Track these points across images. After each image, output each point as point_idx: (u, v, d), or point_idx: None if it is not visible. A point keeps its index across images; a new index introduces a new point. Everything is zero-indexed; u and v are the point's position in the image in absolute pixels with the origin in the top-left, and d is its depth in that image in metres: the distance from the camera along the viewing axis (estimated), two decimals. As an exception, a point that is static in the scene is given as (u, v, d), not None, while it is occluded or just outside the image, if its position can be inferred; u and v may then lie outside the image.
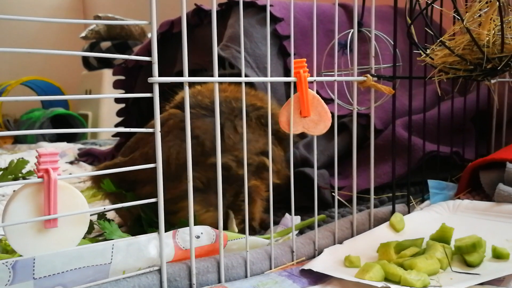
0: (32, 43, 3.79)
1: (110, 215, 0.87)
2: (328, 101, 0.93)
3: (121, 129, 0.59)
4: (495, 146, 1.07)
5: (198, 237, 0.59)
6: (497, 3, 0.64)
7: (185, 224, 0.56)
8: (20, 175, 1.23)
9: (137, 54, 1.37)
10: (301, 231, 0.78)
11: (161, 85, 0.51)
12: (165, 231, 0.56)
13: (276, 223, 0.81)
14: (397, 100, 0.81)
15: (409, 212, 0.81)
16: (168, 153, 0.71)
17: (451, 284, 0.52)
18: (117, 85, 1.42)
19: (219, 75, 0.56)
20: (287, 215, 0.81)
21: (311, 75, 0.63)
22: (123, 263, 0.51)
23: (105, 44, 2.89)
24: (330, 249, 0.65)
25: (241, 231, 0.61)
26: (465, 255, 0.58)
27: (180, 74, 0.58)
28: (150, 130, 0.52)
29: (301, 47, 1.12)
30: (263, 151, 0.77)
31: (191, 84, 0.61)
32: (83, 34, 2.95)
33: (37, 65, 3.69)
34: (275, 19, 1.10)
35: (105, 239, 0.62)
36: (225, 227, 0.75)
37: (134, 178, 0.73)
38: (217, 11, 0.86)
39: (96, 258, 0.50)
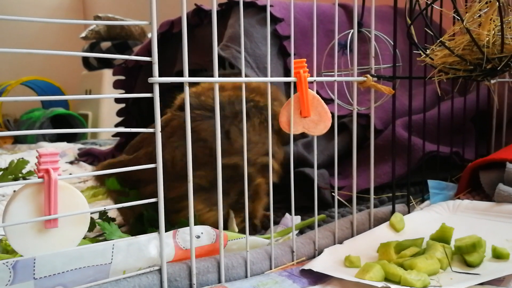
0: (32, 43, 3.79)
1: (112, 213, 0.88)
2: (328, 101, 0.93)
3: (121, 129, 0.60)
4: (495, 146, 1.07)
5: (198, 237, 0.59)
6: (497, 3, 0.64)
7: (186, 224, 0.56)
8: (20, 175, 1.23)
9: (137, 54, 1.37)
10: (301, 231, 0.78)
11: (160, 85, 0.51)
12: (168, 230, 0.56)
13: (276, 223, 0.81)
14: (397, 100, 0.82)
15: (409, 212, 0.81)
16: (173, 154, 0.72)
17: (451, 284, 0.52)
18: (117, 85, 1.42)
19: (219, 75, 0.56)
20: (287, 215, 0.81)
21: (311, 75, 0.63)
22: (123, 263, 0.51)
23: (105, 44, 2.89)
24: (330, 249, 0.65)
25: (243, 230, 0.61)
26: (465, 255, 0.58)
27: (180, 74, 0.58)
28: (151, 130, 0.52)
29: (301, 47, 1.12)
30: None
31: (192, 84, 0.61)
32: (83, 34, 2.95)
33: (37, 65, 3.69)
34: (275, 19, 1.10)
35: (105, 239, 0.62)
36: (226, 227, 0.75)
37: (138, 177, 0.74)
38: (217, 11, 0.86)
39: (97, 258, 0.50)
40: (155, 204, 0.52)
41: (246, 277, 0.59)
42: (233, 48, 1.03)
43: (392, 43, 0.80)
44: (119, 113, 1.49)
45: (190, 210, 0.54)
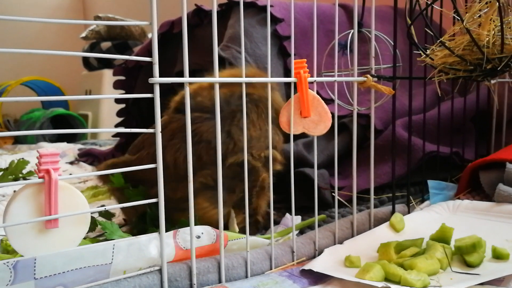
0: (32, 43, 3.79)
1: (114, 210, 0.88)
2: (328, 101, 0.93)
3: (121, 130, 0.60)
4: (495, 146, 1.07)
5: (198, 237, 0.59)
6: (497, 3, 0.64)
7: (186, 224, 0.56)
8: (20, 175, 1.23)
9: (137, 55, 1.37)
10: (301, 231, 0.78)
11: (160, 86, 0.51)
12: (171, 228, 0.56)
13: (276, 223, 0.81)
14: (397, 100, 0.82)
15: (409, 212, 0.81)
16: (175, 156, 0.72)
17: (451, 284, 0.52)
18: (117, 85, 1.42)
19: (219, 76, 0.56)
20: (287, 215, 0.81)
21: (311, 76, 0.63)
22: (124, 263, 0.51)
23: (105, 45, 2.89)
24: (331, 249, 0.65)
25: (244, 229, 0.61)
26: (465, 255, 0.58)
27: (181, 74, 0.58)
28: (151, 130, 0.52)
29: (301, 47, 1.12)
30: (272, 144, 0.78)
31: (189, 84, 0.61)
32: (83, 35, 2.95)
33: (37, 65, 3.69)
34: (275, 20, 1.10)
35: (106, 239, 0.62)
36: (226, 227, 0.75)
37: (142, 178, 0.74)
38: (217, 12, 0.86)
39: (97, 258, 0.50)
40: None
41: (246, 277, 0.59)
42: (233, 48, 1.03)
43: (392, 43, 0.80)
44: (119, 113, 1.49)
45: (190, 210, 0.54)
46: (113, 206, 0.55)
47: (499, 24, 0.65)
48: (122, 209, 0.84)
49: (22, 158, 1.26)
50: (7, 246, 0.66)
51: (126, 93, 1.42)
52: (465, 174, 0.87)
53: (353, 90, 0.72)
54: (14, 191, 1.06)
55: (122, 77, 1.41)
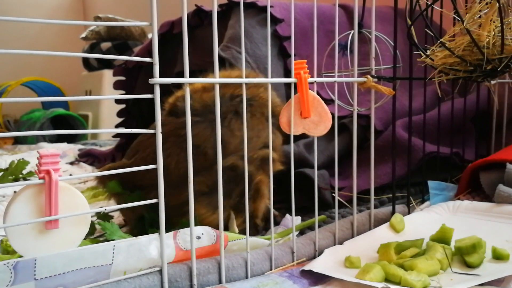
0: (32, 44, 3.79)
1: (113, 212, 0.88)
2: (328, 101, 0.93)
3: (121, 130, 0.60)
4: (495, 146, 1.07)
5: (198, 237, 0.59)
6: (497, 4, 0.64)
7: (186, 224, 0.56)
8: (20, 175, 1.23)
9: (137, 55, 1.37)
10: (301, 232, 0.78)
11: (160, 86, 0.51)
12: (168, 231, 0.56)
13: (276, 223, 0.81)
14: (397, 101, 0.82)
15: (409, 213, 0.81)
16: (166, 162, 0.70)
17: (451, 285, 0.52)
18: (117, 85, 1.42)
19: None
20: (287, 215, 0.81)
21: (312, 76, 0.63)
22: (124, 264, 0.51)
23: (105, 45, 2.89)
24: (331, 250, 0.65)
25: (244, 230, 0.61)
26: (465, 256, 0.58)
27: (180, 74, 0.58)
28: (151, 131, 0.52)
29: (301, 48, 1.12)
30: (266, 145, 0.77)
31: (180, 87, 0.61)
32: (83, 35, 2.95)
33: (37, 65, 3.69)
34: (275, 20, 1.10)
35: (106, 240, 0.62)
36: (226, 228, 0.75)
37: (139, 183, 0.73)
38: (217, 12, 0.86)
39: (97, 259, 0.50)
40: (156, 205, 0.52)
41: (246, 277, 0.59)
42: (234, 49, 1.03)
43: (392, 44, 0.80)
44: (120, 113, 1.49)
45: (190, 211, 0.54)
46: (113, 207, 0.55)
47: (499, 24, 0.65)
48: (121, 212, 0.84)
49: (22, 159, 1.26)
50: (7, 247, 0.66)
51: (126, 93, 1.42)
52: (465, 174, 0.87)
53: (353, 91, 0.72)
54: (15, 192, 1.06)
55: (122, 78, 1.41)
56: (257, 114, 0.78)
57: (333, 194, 0.79)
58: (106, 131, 0.70)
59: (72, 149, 2.03)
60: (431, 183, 0.89)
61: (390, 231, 0.72)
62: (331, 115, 0.63)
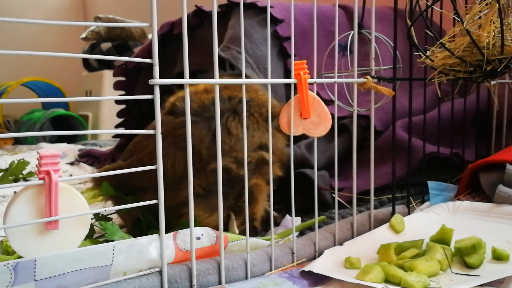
0: (33, 44, 3.79)
1: (111, 214, 0.87)
2: (328, 102, 0.93)
3: (121, 131, 0.60)
4: (495, 147, 1.07)
5: (198, 238, 0.59)
6: (497, 5, 0.64)
7: (186, 225, 0.56)
8: (20, 176, 1.24)
9: (137, 55, 1.37)
10: (301, 233, 0.78)
11: (161, 86, 0.51)
12: (167, 233, 0.56)
13: (276, 224, 0.81)
14: (397, 101, 0.82)
15: (409, 213, 0.81)
16: (163, 162, 0.70)
17: (451, 285, 0.52)
18: (117, 86, 1.42)
19: (219, 77, 0.56)
20: (287, 216, 0.81)
21: (312, 77, 0.63)
22: (124, 264, 0.51)
23: (106, 45, 2.89)
24: (331, 251, 0.65)
25: (243, 232, 0.61)
26: (465, 257, 0.58)
27: (181, 75, 0.58)
28: (151, 131, 0.52)
29: (301, 48, 1.12)
30: (261, 146, 0.76)
31: (181, 87, 0.61)
32: (83, 35, 2.95)
33: (37, 66, 3.69)
34: (275, 20, 1.10)
35: (106, 240, 0.62)
36: (226, 229, 0.75)
37: (134, 185, 0.73)
38: (217, 12, 0.86)
39: (97, 260, 0.50)
40: (153, 210, 0.52)
41: (246, 278, 0.59)
42: (234, 49, 1.03)
43: (392, 45, 0.80)
44: (120, 114, 1.49)
45: (190, 211, 0.54)
46: (113, 208, 0.55)
47: (499, 25, 0.65)
48: (119, 214, 0.83)
49: (22, 159, 1.26)
50: (7, 247, 0.66)
51: (126, 94, 1.42)
52: (465, 175, 0.87)
53: (353, 91, 0.72)
54: (15, 192, 1.06)
55: (122, 78, 1.41)
56: (255, 114, 0.78)
57: (333, 194, 0.79)
58: (106, 132, 0.70)
59: (72, 150, 2.04)
60: (431, 184, 0.89)
61: (390, 232, 0.72)
62: (331, 116, 0.63)
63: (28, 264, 0.46)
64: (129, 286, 0.51)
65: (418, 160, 0.95)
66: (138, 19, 2.96)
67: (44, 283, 0.47)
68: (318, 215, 0.76)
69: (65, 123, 2.71)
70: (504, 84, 1.07)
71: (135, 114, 1.47)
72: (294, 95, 0.62)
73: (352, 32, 0.93)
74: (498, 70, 0.68)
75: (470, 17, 0.68)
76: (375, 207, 0.85)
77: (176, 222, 0.70)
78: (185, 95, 0.53)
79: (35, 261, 0.47)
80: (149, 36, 2.74)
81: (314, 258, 0.66)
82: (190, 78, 0.53)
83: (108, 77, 2.84)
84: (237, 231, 0.74)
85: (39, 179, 0.47)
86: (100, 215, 0.72)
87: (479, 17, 0.68)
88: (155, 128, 0.51)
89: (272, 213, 0.62)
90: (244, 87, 0.59)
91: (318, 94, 0.64)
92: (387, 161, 0.98)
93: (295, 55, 1.07)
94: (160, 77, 0.51)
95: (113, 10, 3.61)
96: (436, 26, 1.02)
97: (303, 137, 1.01)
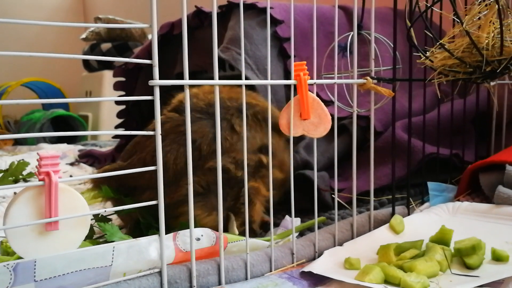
0: (33, 44, 3.80)
1: (110, 215, 0.87)
2: (328, 103, 0.93)
3: (121, 132, 0.60)
4: (495, 148, 1.07)
5: (198, 239, 0.59)
6: (496, 6, 0.64)
7: (185, 226, 0.56)
8: (20, 176, 1.24)
9: (137, 56, 1.37)
10: (301, 233, 0.78)
11: (161, 86, 0.51)
12: (166, 234, 0.56)
13: (276, 225, 0.81)
14: (397, 102, 0.82)
15: (408, 214, 0.81)
16: (166, 158, 0.71)
17: (450, 286, 0.52)
18: (117, 87, 1.43)
19: (219, 77, 0.56)
20: (287, 217, 0.81)
21: (311, 78, 0.63)
22: (123, 265, 0.51)
23: (106, 46, 2.89)
24: (330, 251, 0.65)
25: (242, 233, 0.61)
26: (465, 258, 0.58)
27: (181, 75, 0.58)
28: (151, 132, 0.52)
29: (301, 49, 1.12)
30: (261, 148, 0.77)
31: (190, 86, 0.62)
32: (83, 36, 2.96)
33: (37, 66, 3.70)
34: (275, 21, 1.10)
35: (106, 241, 0.62)
36: (226, 229, 0.75)
37: (133, 184, 0.73)
38: (217, 13, 0.86)
39: (97, 261, 0.50)
40: (152, 210, 0.52)
41: (246, 279, 0.59)
42: (233, 50, 1.03)
43: (392, 45, 0.80)
44: (120, 114, 1.49)
45: (190, 212, 0.54)
46: (113, 209, 0.55)
47: (499, 26, 0.65)
48: (119, 215, 0.84)
49: (22, 160, 1.26)
50: (7, 248, 0.66)
51: (126, 94, 1.42)
52: (465, 176, 0.87)
53: (353, 92, 0.72)
54: (15, 193, 1.06)
55: (122, 79, 1.41)
56: (258, 116, 0.79)
57: (332, 195, 0.79)
58: (106, 133, 0.70)
59: (72, 150, 2.04)
60: (430, 185, 0.89)
61: (390, 233, 0.72)
62: (330, 117, 0.63)
63: (28, 265, 0.46)
64: (129, 287, 0.51)
65: (417, 161, 0.95)
66: (138, 20, 2.97)
67: (44, 283, 0.47)
68: (318, 216, 0.76)
69: (65, 124, 2.71)
70: (504, 85, 1.07)
71: (135, 114, 1.47)
72: (294, 96, 0.62)
73: (351, 32, 0.93)
74: (498, 71, 0.68)
75: (470, 18, 0.68)
76: (375, 208, 0.85)
77: (175, 222, 0.70)
78: (185, 96, 0.53)
79: (35, 262, 0.47)
80: (149, 37, 2.74)
81: (314, 258, 0.66)
82: (190, 79, 0.53)
83: (108, 77, 2.84)
84: (237, 231, 0.74)
85: (39, 180, 0.47)
86: (99, 216, 0.72)
87: (479, 18, 0.68)
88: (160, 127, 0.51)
89: (272, 213, 0.62)
90: (244, 88, 0.59)
91: (318, 95, 0.64)
92: (386, 162, 0.98)
93: (295, 56, 1.07)
94: (160, 78, 0.51)
95: (113, 10, 3.61)
96: (435, 27, 1.02)
97: (302, 138, 1.02)
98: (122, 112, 1.49)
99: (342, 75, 0.94)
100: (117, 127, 1.51)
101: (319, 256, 0.65)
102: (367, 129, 0.98)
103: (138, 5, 3.43)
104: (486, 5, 0.67)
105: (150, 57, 0.50)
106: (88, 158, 1.78)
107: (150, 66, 0.50)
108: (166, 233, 0.54)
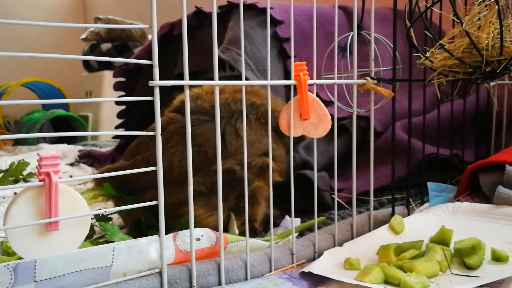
0: (33, 44, 3.80)
1: (111, 214, 0.87)
2: (328, 103, 0.93)
3: (121, 132, 0.60)
4: (495, 148, 1.07)
5: (198, 239, 0.59)
6: (496, 6, 0.64)
7: (186, 226, 0.56)
8: (21, 177, 1.24)
9: (137, 56, 1.38)
10: (301, 233, 0.78)
11: (161, 87, 0.51)
12: (167, 234, 0.56)
13: (276, 225, 0.81)
14: (397, 102, 0.82)
15: (408, 215, 0.81)
16: (171, 160, 0.71)
17: (450, 286, 0.53)
18: (117, 87, 1.43)
19: (219, 78, 0.56)
20: (287, 217, 0.81)
21: (311, 78, 0.63)
22: (124, 265, 0.51)
23: (106, 46, 2.89)
24: (330, 252, 0.65)
25: (243, 233, 0.62)
26: (465, 258, 0.58)
27: (181, 76, 0.59)
28: (151, 133, 0.52)
29: (301, 49, 1.13)
30: (266, 152, 0.77)
31: (191, 87, 0.62)
32: (83, 36, 2.96)
33: (37, 66, 3.70)
34: (275, 22, 1.10)
35: (106, 241, 0.62)
36: (226, 229, 0.75)
37: (136, 184, 0.73)
38: (217, 14, 0.86)
39: (97, 261, 0.50)
40: (153, 210, 0.52)
41: (246, 279, 0.59)
42: (233, 51, 1.03)
43: (392, 46, 0.80)
44: (120, 114, 1.49)
45: (190, 212, 0.54)
46: (113, 209, 0.55)
47: (499, 27, 0.65)
48: (120, 215, 0.84)
49: (23, 160, 1.26)
50: (7, 249, 0.66)
51: (126, 94, 1.42)
52: (464, 176, 0.87)
53: (352, 92, 0.72)
54: (15, 193, 1.06)
55: (123, 79, 1.41)
56: (262, 119, 0.79)
57: (332, 195, 0.79)
58: (106, 133, 0.70)
59: (72, 150, 2.04)
60: (430, 185, 0.89)
61: (390, 233, 0.72)
62: (330, 117, 0.63)
63: (28, 265, 0.46)
64: (129, 287, 0.51)
65: (417, 161, 0.96)
66: (138, 20, 2.97)
67: (44, 284, 0.47)
68: (318, 216, 0.76)
69: (65, 124, 2.71)
70: (504, 85, 1.07)
71: (135, 115, 1.47)
72: (294, 96, 0.62)
73: (351, 33, 0.93)
74: (497, 71, 0.68)
75: (470, 19, 0.68)
76: (375, 208, 0.85)
77: (177, 222, 0.70)
78: (185, 97, 0.53)
79: (35, 262, 0.47)
80: (149, 37, 2.74)
81: (314, 259, 0.66)
82: (190, 79, 0.53)
83: (108, 77, 2.84)
84: (237, 231, 0.74)
85: (39, 181, 0.47)
86: (100, 215, 0.72)
87: (478, 19, 0.68)
88: (162, 127, 0.51)
89: (272, 213, 0.62)
90: (244, 88, 0.59)
91: (317, 95, 0.64)
92: (386, 162, 0.98)
93: (294, 56, 1.07)
94: (160, 78, 0.51)
95: (113, 10, 3.62)
96: (435, 27, 1.02)
97: (302, 138, 1.02)
98: (122, 113, 1.49)
99: (342, 76, 0.94)
100: (117, 127, 1.51)
101: (319, 256, 0.65)
102: (367, 129, 0.98)
103: (138, 5, 3.44)
104: (486, 6, 0.67)
105: (150, 57, 0.50)
106: (88, 158, 1.78)
107: (150, 67, 0.50)
108: (169, 232, 0.54)
